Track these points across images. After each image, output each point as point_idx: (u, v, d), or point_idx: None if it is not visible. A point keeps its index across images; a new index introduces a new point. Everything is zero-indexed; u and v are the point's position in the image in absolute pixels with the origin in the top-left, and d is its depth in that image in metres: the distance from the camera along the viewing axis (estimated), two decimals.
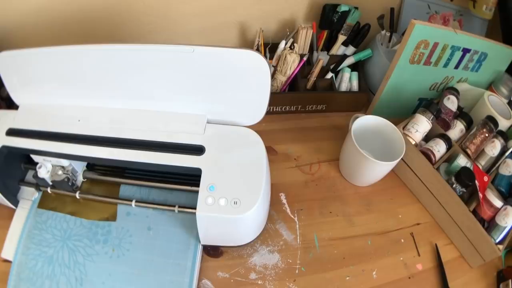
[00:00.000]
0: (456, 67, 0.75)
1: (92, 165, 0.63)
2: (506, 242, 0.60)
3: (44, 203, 0.59)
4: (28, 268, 0.55)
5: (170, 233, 0.58)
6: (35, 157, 0.58)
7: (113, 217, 0.59)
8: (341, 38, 0.82)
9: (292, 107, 0.81)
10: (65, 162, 0.57)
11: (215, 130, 0.56)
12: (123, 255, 0.56)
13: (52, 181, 0.57)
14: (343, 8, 0.78)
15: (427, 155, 0.67)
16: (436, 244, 0.66)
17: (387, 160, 0.64)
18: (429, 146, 0.68)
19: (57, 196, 0.60)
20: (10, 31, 0.72)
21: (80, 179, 0.61)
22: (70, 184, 0.58)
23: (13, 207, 0.60)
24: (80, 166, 0.61)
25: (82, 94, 0.57)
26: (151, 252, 0.56)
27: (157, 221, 0.58)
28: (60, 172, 0.56)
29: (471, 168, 0.65)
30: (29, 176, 0.61)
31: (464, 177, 0.62)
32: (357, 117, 0.69)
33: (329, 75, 0.83)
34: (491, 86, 0.80)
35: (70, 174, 0.58)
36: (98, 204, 0.59)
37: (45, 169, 0.56)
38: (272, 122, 0.79)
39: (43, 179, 0.57)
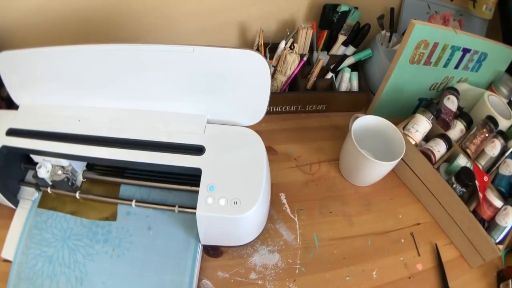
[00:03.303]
0: (456, 67, 0.75)
1: (92, 165, 0.63)
2: (506, 242, 0.60)
3: (44, 203, 0.59)
4: (28, 267, 0.55)
5: (170, 233, 0.58)
6: (34, 157, 0.58)
7: (113, 217, 0.58)
8: (341, 38, 0.82)
9: (292, 107, 0.81)
10: (64, 162, 0.57)
11: (215, 130, 0.56)
12: (123, 254, 0.56)
13: (51, 181, 0.57)
14: (343, 8, 0.78)
15: (427, 155, 0.67)
16: (436, 244, 0.66)
17: (387, 160, 0.64)
18: (429, 146, 0.68)
19: (57, 196, 0.60)
20: (10, 31, 0.72)
21: (80, 179, 0.61)
22: (70, 184, 0.58)
23: (13, 207, 0.60)
24: (80, 166, 0.61)
25: (82, 94, 0.57)
26: (151, 252, 0.56)
27: (157, 221, 0.58)
28: (59, 172, 0.56)
29: (471, 168, 0.65)
30: (29, 176, 0.61)
31: (464, 177, 0.62)
32: (357, 117, 0.69)
33: (329, 75, 0.83)
34: (491, 86, 0.80)
35: (70, 174, 0.58)
36: (98, 203, 0.59)
37: (44, 169, 0.56)
38: (272, 122, 0.79)
39: (42, 179, 0.57)
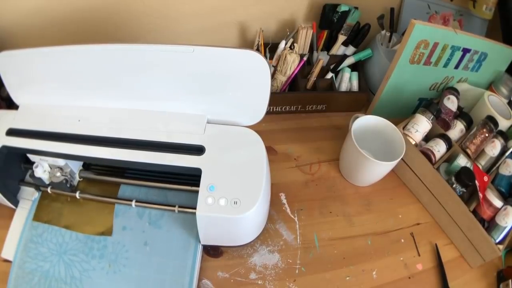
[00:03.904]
0: (456, 67, 0.75)
1: (88, 164, 0.62)
2: (506, 242, 0.60)
3: (39, 216, 0.58)
4: (25, 282, 0.54)
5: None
6: (31, 157, 0.57)
7: (108, 232, 0.57)
8: (341, 38, 0.82)
9: (292, 107, 0.81)
10: (61, 163, 0.56)
11: (215, 130, 0.56)
12: (120, 271, 0.55)
13: (50, 183, 0.57)
14: (343, 8, 0.78)
15: (427, 155, 0.67)
16: (436, 244, 0.66)
17: (387, 160, 0.64)
18: (429, 146, 0.68)
19: (52, 208, 0.59)
20: (10, 31, 0.72)
21: (76, 178, 0.61)
22: (68, 185, 0.58)
23: (13, 207, 0.60)
24: (76, 166, 0.60)
25: (82, 94, 0.57)
26: (148, 268, 0.55)
27: (153, 236, 0.57)
28: (58, 174, 0.56)
29: (471, 168, 0.65)
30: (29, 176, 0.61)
31: (464, 177, 0.62)
32: (357, 117, 0.69)
33: (329, 75, 0.83)
34: (491, 86, 0.80)
35: (69, 176, 0.58)
36: (93, 217, 0.58)
37: (41, 169, 0.55)
38: (272, 122, 0.79)
39: (39, 179, 0.56)
